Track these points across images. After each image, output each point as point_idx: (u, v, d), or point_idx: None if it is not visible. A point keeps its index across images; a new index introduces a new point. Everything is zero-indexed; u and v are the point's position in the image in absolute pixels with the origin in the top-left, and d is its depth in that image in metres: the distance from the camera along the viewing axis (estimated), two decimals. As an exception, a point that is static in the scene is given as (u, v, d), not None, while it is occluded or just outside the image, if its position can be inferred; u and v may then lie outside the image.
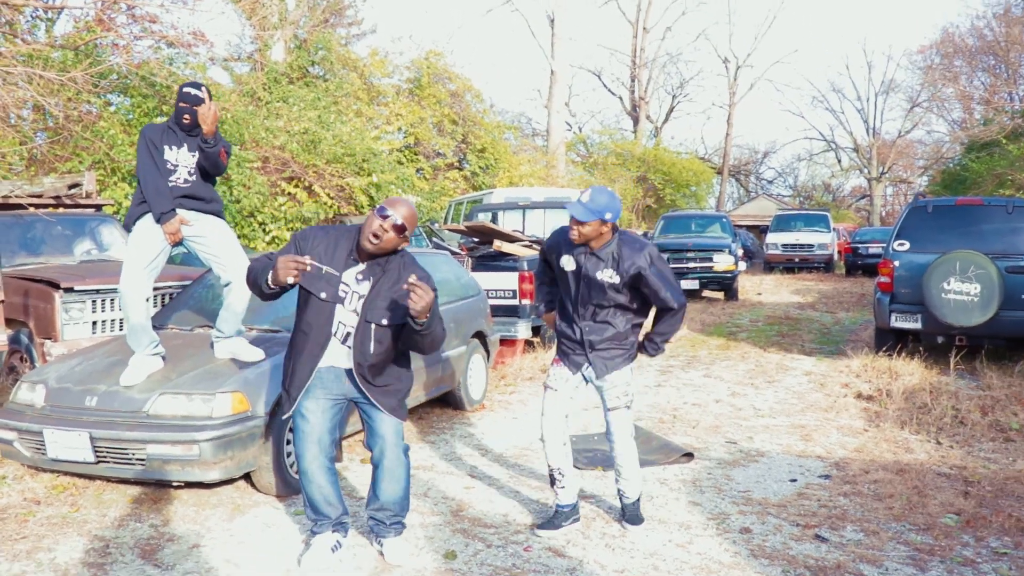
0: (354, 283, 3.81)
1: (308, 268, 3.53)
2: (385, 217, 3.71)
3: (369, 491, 4.13)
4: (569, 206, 4.12)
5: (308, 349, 3.81)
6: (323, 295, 3.77)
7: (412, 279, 3.48)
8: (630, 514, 4.57)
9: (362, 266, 3.82)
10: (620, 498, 4.62)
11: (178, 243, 5.22)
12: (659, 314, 4.38)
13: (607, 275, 4.22)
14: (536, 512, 4.78)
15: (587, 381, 4.46)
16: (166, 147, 5.17)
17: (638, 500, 4.59)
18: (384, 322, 3.78)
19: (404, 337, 3.82)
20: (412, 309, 3.49)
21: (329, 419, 3.94)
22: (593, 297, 4.29)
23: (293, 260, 3.49)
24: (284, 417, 4.15)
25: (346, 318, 3.81)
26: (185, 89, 5.14)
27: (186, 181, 5.23)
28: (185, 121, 5.13)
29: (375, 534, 4.15)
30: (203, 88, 5.17)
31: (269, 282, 3.58)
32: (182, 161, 5.22)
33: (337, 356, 3.87)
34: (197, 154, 5.20)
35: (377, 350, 3.81)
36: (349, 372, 3.87)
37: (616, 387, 4.40)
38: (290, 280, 3.52)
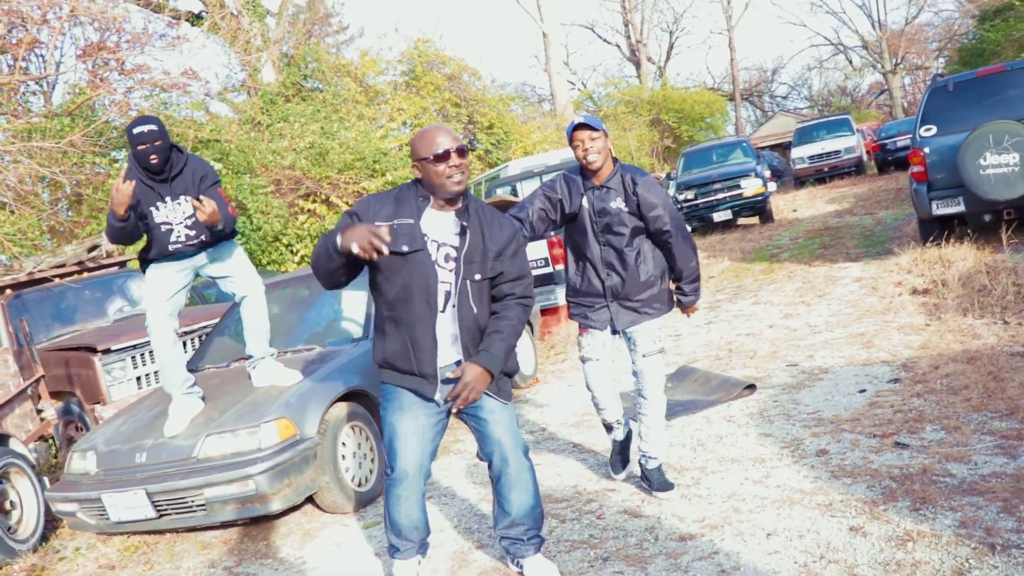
0: (441, 234, 3.27)
1: (388, 239, 2.97)
2: (445, 156, 3.16)
3: (494, 508, 3.59)
4: (579, 122, 3.93)
5: (419, 319, 3.21)
6: (405, 248, 3.17)
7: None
8: (658, 481, 4.21)
9: (446, 214, 3.30)
10: (643, 464, 4.29)
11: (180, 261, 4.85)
12: (668, 255, 4.12)
13: (619, 204, 4.01)
14: (605, 474, 4.65)
15: (615, 333, 4.20)
16: (152, 209, 4.66)
17: (661, 465, 4.27)
18: (478, 277, 3.28)
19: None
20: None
21: (430, 440, 3.42)
22: (613, 232, 4.04)
23: (372, 232, 2.92)
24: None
25: (444, 276, 3.27)
26: (136, 130, 4.49)
27: (188, 238, 4.74)
28: (153, 161, 4.54)
29: (511, 555, 3.62)
30: (154, 120, 4.57)
31: (339, 246, 2.98)
32: (173, 217, 4.71)
33: (444, 332, 3.29)
34: (185, 201, 4.68)
35: (481, 312, 3.31)
36: (456, 363, 3.33)
37: (649, 331, 4.12)
38: (379, 253, 2.95)
